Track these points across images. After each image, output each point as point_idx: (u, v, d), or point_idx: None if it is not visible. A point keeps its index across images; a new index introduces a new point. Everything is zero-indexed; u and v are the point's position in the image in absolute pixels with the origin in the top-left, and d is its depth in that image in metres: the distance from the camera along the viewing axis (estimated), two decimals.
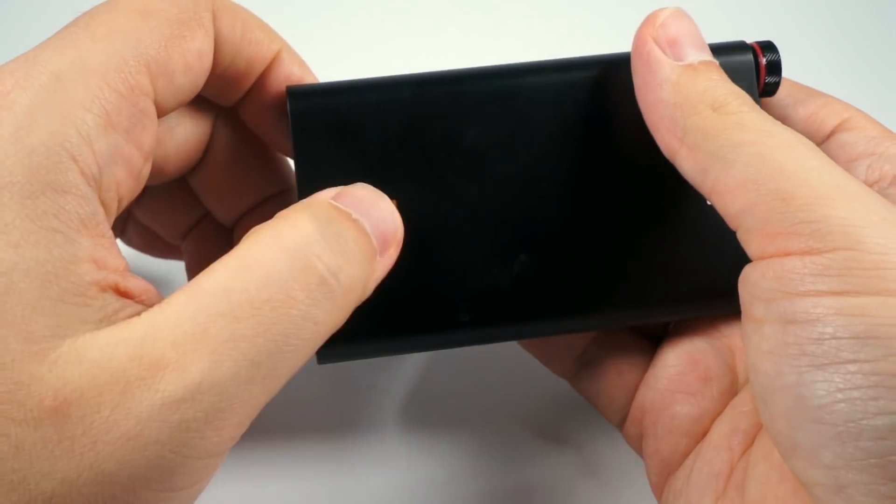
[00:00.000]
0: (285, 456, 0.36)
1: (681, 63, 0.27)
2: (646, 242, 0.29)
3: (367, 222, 0.26)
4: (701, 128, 0.25)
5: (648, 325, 0.34)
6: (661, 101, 0.27)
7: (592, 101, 0.29)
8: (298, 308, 0.23)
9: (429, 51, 0.45)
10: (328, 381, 0.37)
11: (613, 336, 0.33)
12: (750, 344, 0.24)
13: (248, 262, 0.23)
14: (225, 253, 0.24)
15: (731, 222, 0.25)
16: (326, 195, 0.26)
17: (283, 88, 0.29)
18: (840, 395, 0.22)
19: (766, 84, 0.29)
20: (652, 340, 0.34)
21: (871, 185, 0.28)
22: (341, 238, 0.24)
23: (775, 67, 0.29)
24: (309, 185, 0.28)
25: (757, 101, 0.29)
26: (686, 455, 0.30)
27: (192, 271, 0.34)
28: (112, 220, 0.24)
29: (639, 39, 0.28)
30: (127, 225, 0.35)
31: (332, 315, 0.24)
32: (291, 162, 0.33)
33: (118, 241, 0.35)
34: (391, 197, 0.27)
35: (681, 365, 0.31)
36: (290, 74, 0.29)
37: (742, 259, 0.25)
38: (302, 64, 0.30)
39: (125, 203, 0.25)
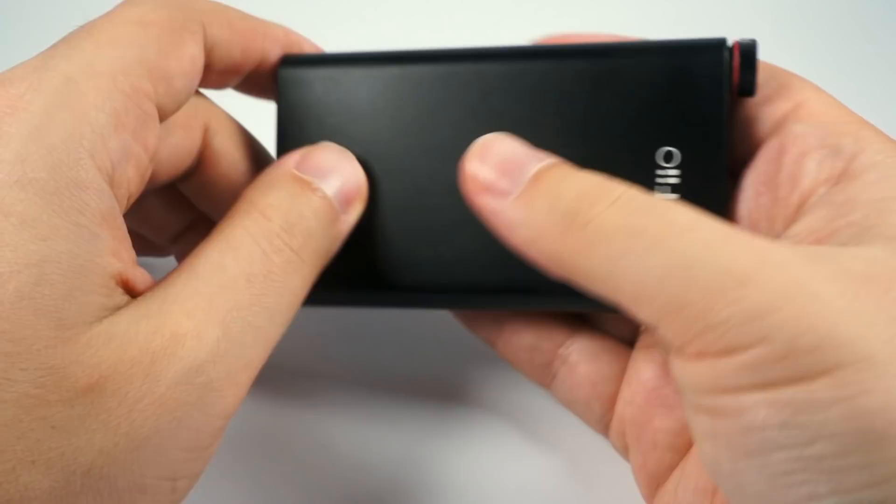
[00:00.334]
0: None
1: (513, 196, 0.26)
2: None
3: (328, 187, 0.29)
4: (565, 256, 0.25)
5: (614, 321, 0.33)
6: (522, 243, 0.26)
7: (555, 90, 0.29)
8: (278, 281, 0.26)
9: (434, 28, 0.46)
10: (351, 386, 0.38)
11: (583, 344, 0.33)
12: (689, 423, 0.24)
13: (233, 244, 0.26)
14: None
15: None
16: (290, 163, 0.29)
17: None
18: (774, 483, 0.22)
19: (740, 85, 0.28)
20: (624, 345, 0.33)
21: (819, 187, 0.27)
22: (304, 218, 0.28)
23: (749, 66, 0.27)
24: (285, 146, 0.31)
25: (722, 104, 0.28)
26: (672, 468, 0.30)
27: None
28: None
29: (466, 190, 0.27)
30: None
31: (306, 280, 0.28)
32: None
33: None
34: (361, 160, 0.30)
35: (656, 378, 0.31)
36: (284, 47, 0.32)
37: None
38: (294, 37, 0.32)
39: (132, 201, 0.27)
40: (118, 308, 0.24)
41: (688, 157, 0.27)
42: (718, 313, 0.22)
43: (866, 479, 0.21)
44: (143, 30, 0.27)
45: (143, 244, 0.36)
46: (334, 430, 0.36)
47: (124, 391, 0.23)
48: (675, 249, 0.23)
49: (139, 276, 0.26)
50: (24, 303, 0.22)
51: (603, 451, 0.34)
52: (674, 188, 0.27)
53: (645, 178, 0.27)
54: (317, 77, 0.31)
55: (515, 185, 0.26)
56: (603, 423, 0.33)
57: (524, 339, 0.33)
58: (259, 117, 0.35)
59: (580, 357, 0.33)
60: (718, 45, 0.28)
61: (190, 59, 0.28)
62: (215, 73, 0.30)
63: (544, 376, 0.33)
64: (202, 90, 0.33)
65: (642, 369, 0.31)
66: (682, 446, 0.30)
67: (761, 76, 0.29)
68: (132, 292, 0.25)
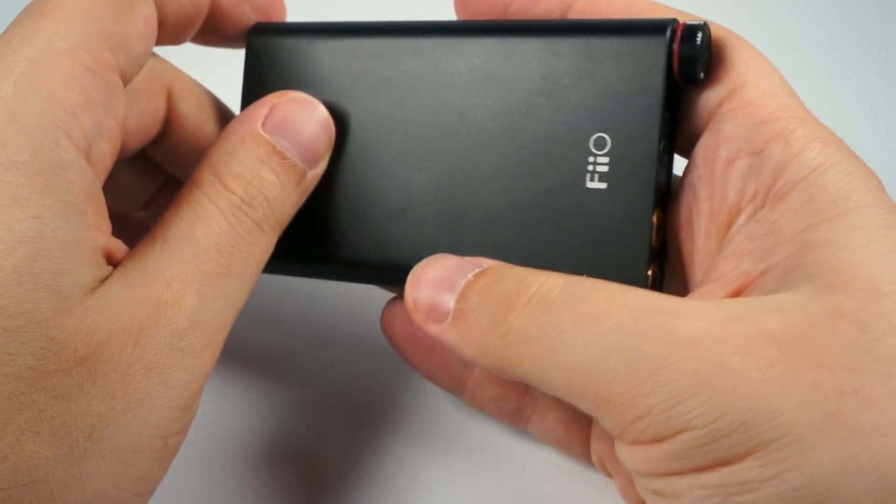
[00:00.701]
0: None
1: (448, 320, 0.26)
2: (522, 208, 0.28)
3: (295, 146, 0.29)
4: (504, 365, 0.25)
5: None
6: (471, 360, 0.26)
7: (507, 68, 0.28)
8: (243, 251, 0.27)
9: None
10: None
11: None
12: (638, 487, 0.25)
13: (201, 216, 0.27)
14: None
15: None
16: (255, 121, 0.29)
17: (233, 8, 0.32)
18: None
19: (681, 70, 0.26)
20: None
21: (745, 205, 0.26)
22: (266, 187, 0.28)
23: (691, 50, 0.26)
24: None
25: (658, 91, 0.26)
26: None
27: None
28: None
29: (415, 321, 0.27)
30: None
31: (268, 245, 0.29)
32: None
33: None
34: None
35: None
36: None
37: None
38: None
39: (107, 173, 0.27)
40: (105, 279, 0.25)
41: (618, 145, 0.26)
42: (640, 404, 0.22)
43: None
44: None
45: (114, 215, 0.37)
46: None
47: (118, 358, 0.25)
48: (589, 345, 0.23)
49: (118, 246, 0.27)
50: (24, 278, 0.23)
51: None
52: (601, 177, 0.26)
53: (578, 165, 0.26)
54: (285, 46, 0.31)
55: (446, 307, 0.26)
56: (584, 457, 0.32)
57: (489, 391, 0.32)
58: (222, 81, 0.35)
59: (548, 399, 0.32)
60: (662, 26, 0.26)
61: (143, 19, 0.28)
62: (170, 29, 0.30)
63: (518, 420, 0.33)
64: (162, 56, 0.33)
65: None
66: None
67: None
68: (113, 262, 0.26)
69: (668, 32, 0.26)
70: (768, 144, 0.25)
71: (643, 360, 0.22)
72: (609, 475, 0.31)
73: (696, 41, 0.25)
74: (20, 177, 0.24)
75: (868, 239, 0.23)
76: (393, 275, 0.29)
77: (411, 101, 0.30)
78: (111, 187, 0.34)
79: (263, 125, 0.29)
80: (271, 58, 0.32)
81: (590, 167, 0.26)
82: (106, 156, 0.27)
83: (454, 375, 0.32)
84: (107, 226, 0.26)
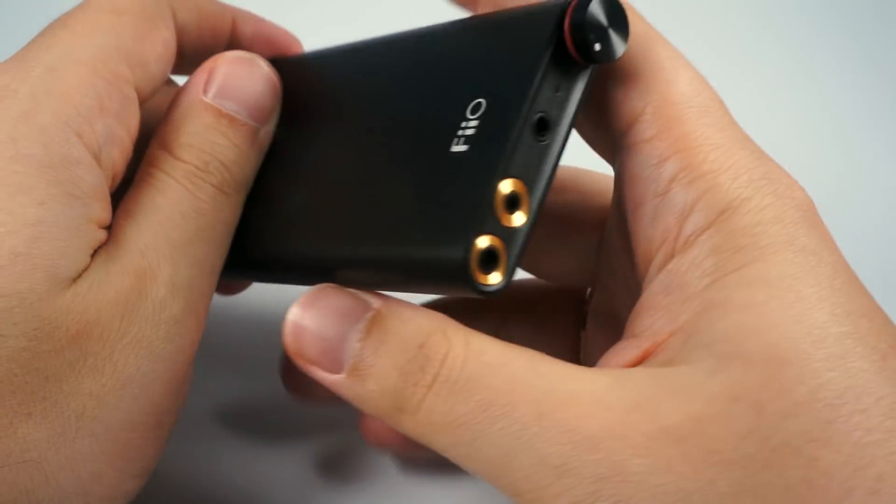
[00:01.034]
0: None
1: (343, 373, 0.24)
2: (386, 181, 0.26)
3: (241, 105, 0.29)
4: (412, 435, 0.23)
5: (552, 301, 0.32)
6: (373, 415, 0.24)
7: (407, 57, 0.28)
8: (209, 215, 0.27)
9: None
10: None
11: (519, 330, 0.33)
12: None
13: (158, 187, 0.27)
14: None
15: None
16: (198, 88, 0.28)
17: (250, 44, 0.33)
18: None
19: (575, 44, 0.24)
20: (571, 326, 0.33)
21: (655, 251, 0.24)
22: (219, 151, 0.28)
23: (580, 20, 0.23)
24: None
25: (536, 59, 0.24)
26: None
27: None
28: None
29: (295, 360, 0.25)
30: None
31: (235, 207, 0.29)
32: None
33: None
34: (284, 144, 0.30)
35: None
36: (255, 32, 0.33)
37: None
38: (258, 20, 0.33)
39: (117, 182, 0.28)
40: None
41: (489, 109, 0.24)
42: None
43: None
44: (117, 18, 0.28)
45: None
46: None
47: (107, 334, 0.25)
48: (495, 442, 0.22)
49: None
50: (21, 258, 0.24)
51: None
52: (466, 140, 0.24)
53: (450, 130, 0.25)
54: (284, 71, 0.31)
55: (339, 360, 0.24)
56: None
57: None
58: None
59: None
60: (557, 2, 0.24)
61: (163, 43, 0.29)
62: (188, 58, 0.31)
63: None
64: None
65: (593, 353, 0.31)
66: None
67: (631, 48, 0.25)
68: None
69: (561, 5, 0.24)
70: (672, 186, 0.24)
71: (547, 463, 0.21)
72: None
73: (585, 10, 0.23)
74: (28, 167, 0.24)
75: (768, 295, 0.22)
76: (296, 274, 0.28)
77: (334, 105, 0.30)
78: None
79: (205, 91, 0.28)
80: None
81: (459, 131, 0.25)
82: (116, 163, 0.27)
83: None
84: (109, 224, 0.27)
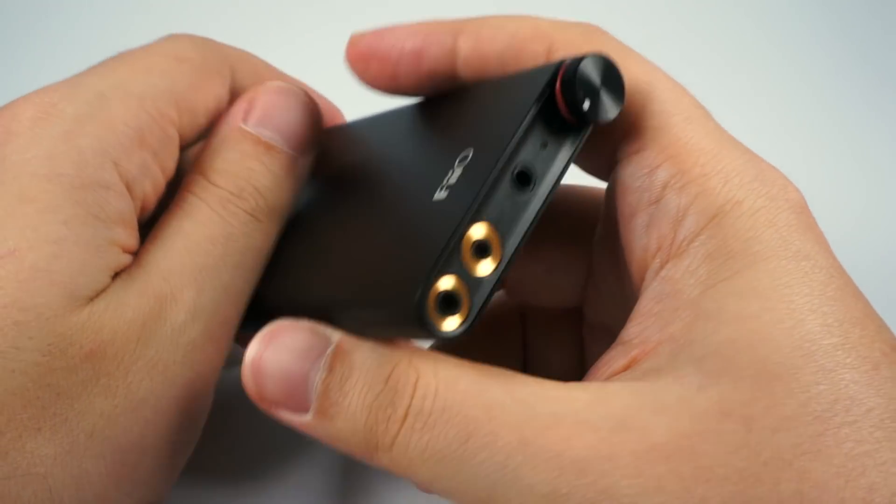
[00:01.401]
0: None
1: (309, 414, 0.23)
2: (375, 230, 0.26)
3: (279, 133, 0.29)
4: (390, 469, 0.23)
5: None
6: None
7: (420, 121, 0.29)
8: (240, 241, 0.27)
9: None
10: None
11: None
12: None
13: (188, 211, 0.27)
14: None
15: None
16: (237, 117, 0.29)
17: None
18: None
19: (565, 105, 0.24)
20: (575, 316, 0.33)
21: (651, 259, 0.24)
22: (254, 178, 0.28)
23: (569, 86, 0.23)
24: None
25: (524, 112, 0.23)
26: None
27: None
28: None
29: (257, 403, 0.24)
30: None
31: (268, 234, 0.28)
32: None
33: None
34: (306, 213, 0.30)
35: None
36: None
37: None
38: (310, 92, 0.33)
39: (146, 216, 0.28)
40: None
41: (473, 158, 0.24)
42: None
43: None
44: (177, 64, 0.29)
45: None
46: None
47: (121, 355, 0.25)
48: (478, 473, 0.21)
49: None
50: (40, 274, 0.24)
51: None
52: (448, 187, 0.24)
53: (438, 179, 0.25)
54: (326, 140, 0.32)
55: (304, 400, 0.23)
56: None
57: None
58: None
59: None
60: (551, 65, 0.25)
61: (216, 98, 0.30)
62: None
63: None
64: None
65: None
66: None
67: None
68: None
69: (557, 63, 0.24)
70: (665, 192, 0.24)
71: (535, 492, 0.21)
72: None
73: (577, 68, 0.23)
74: (59, 186, 0.25)
75: (760, 307, 0.21)
76: None
77: (349, 168, 0.30)
78: None
79: (245, 119, 0.29)
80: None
81: (445, 180, 0.25)
82: (147, 195, 0.27)
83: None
84: (135, 250, 0.27)
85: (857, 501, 0.20)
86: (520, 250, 0.23)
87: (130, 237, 0.26)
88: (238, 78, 0.31)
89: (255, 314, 0.29)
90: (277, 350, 0.23)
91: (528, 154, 0.24)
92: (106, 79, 0.27)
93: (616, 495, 0.20)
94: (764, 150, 0.25)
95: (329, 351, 0.23)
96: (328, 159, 0.31)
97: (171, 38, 0.30)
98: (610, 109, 0.24)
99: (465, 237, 0.22)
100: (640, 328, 0.23)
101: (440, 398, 0.22)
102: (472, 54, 0.27)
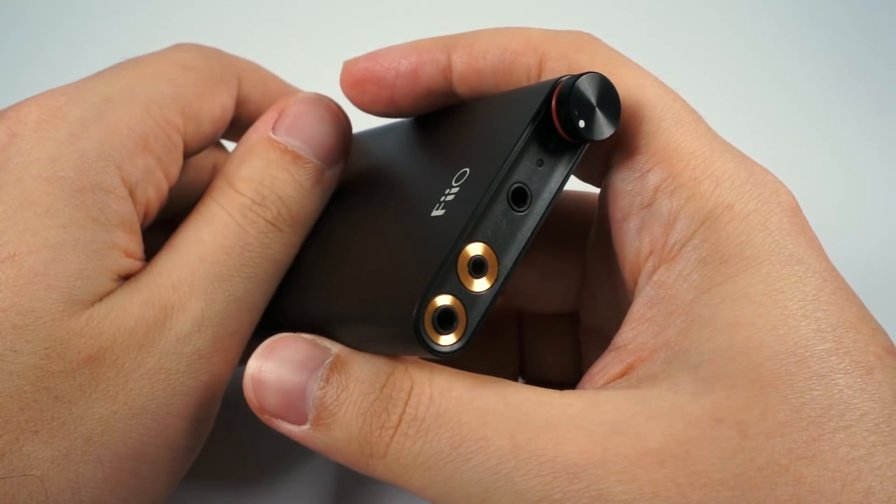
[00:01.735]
0: None
1: (307, 425, 0.23)
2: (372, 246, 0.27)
3: (307, 143, 0.28)
4: (385, 479, 0.23)
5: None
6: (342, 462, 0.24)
7: (419, 135, 0.29)
8: (255, 252, 0.27)
9: None
10: None
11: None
12: None
13: (208, 218, 0.27)
14: None
15: None
16: (266, 126, 0.29)
17: None
18: None
19: (560, 123, 0.24)
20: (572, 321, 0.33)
21: (643, 262, 0.24)
22: (278, 187, 0.28)
23: (563, 104, 0.23)
24: None
25: (519, 130, 0.24)
26: None
27: None
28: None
29: (257, 413, 0.25)
30: None
31: (288, 245, 0.28)
32: None
33: None
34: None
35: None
36: None
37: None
38: None
39: (149, 221, 0.28)
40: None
41: (470, 176, 0.25)
42: None
43: None
44: (184, 72, 0.29)
45: None
46: None
47: (122, 361, 0.25)
48: (470, 479, 0.21)
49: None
50: (38, 279, 0.24)
51: None
52: (445, 205, 0.25)
53: (435, 197, 0.25)
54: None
55: (301, 411, 0.23)
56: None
57: None
58: None
59: None
60: (548, 83, 0.25)
61: (221, 107, 0.30)
62: (243, 128, 0.31)
63: None
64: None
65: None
66: None
67: None
68: None
69: (554, 81, 0.24)
70: (656, 196, 0.24)
71: (527, 498, 0.21)
72: None
73: (572, 86, 0.23)
74: (60, 190, 0.25)
75: (754, 313, 0.21)
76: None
77: (355, 181, 0.30)
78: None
79: (275, 129, 0.28)
80: None
81: (442, 198, 0.25)
82: (150, 200, 0.28)
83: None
84: (138, 254, 0.27)
85: None
86: (516, 267, 0.23)
87: (132, 241, 0.26)
88: (245, 88, 0.31)
89: (262, 324, 0.29)
90: (277, 362, 0.24)
91: (523, 172, 0.24)
92: (112, 84, 0.28)
93: (610, 501, 0.20)
94: (755, 153, 0.25)
95: (328, 361, 0.23)
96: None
97: (179, 47, 0.30)
98: (605, 128, 0.24)
99: (462, 255, 0.23)
100: (634, 333, 0.23)
101: (434, 404, 0.22)
102: (467, 70, 0.27)
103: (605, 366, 0.24)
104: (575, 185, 0.27)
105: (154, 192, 0.28)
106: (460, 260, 0.23)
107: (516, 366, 0.33)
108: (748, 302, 0.22)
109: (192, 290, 0.26)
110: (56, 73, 0.34)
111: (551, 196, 0.24)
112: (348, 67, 0.29)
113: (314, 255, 0.29)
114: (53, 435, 0.24)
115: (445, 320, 0.22)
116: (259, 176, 0.28)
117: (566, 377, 0.32)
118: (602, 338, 0.29)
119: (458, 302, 0.23)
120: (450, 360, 0.23)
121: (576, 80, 0.23)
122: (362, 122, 0.31)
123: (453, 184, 0.25)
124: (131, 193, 0.27)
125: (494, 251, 0.23)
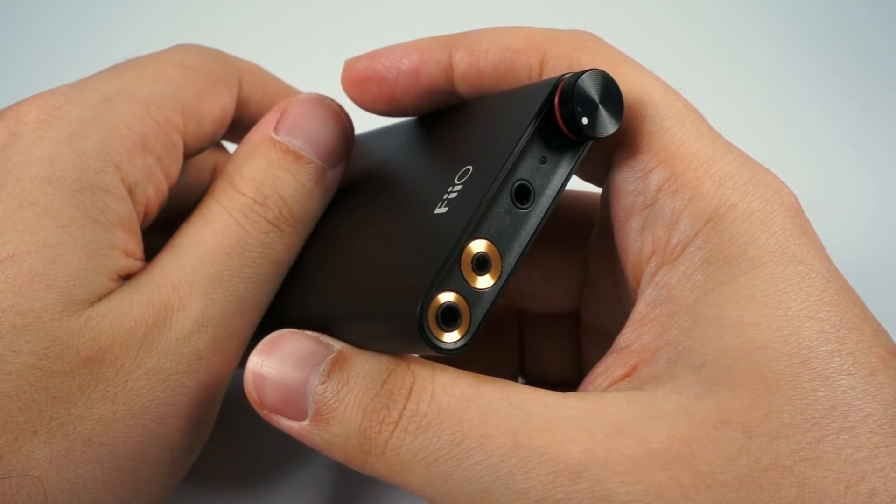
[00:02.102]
0: None
1: (306, 421, 0.23)
2: (377, 242, 0.27)
3: (309, 144, 0.28)
4: (383, 477, 0.22)
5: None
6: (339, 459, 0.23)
7: (424, 134, 0.29)
8: (256, 252, 0.27)
9: None
10: None
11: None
12: None
13: (209, 219, 0.27)
14: None
15: None
16: (269, 126, 0.28)
17: None
18: None
19: (563, 120, 0.24)
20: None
21: (646, 262, 0.24)
22: (280, 187, 0.28)
23: (565, 101, 0.23)
24: None
25: (521, 128, 0.24)
26: None
27: None
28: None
29: (256, 409, 0.24)
30: None
31: (290, 245, 0.28)
32: None
33: None
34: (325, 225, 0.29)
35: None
36: None
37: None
38: None
39: (148, 221, 0.28)
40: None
41: (473, 174, 0.25)
42: None
43: None
44: (184, 72, 0.29)
45: None
46: None
47: (121, 362, 0.25)
48: (471, 477, 0.21)
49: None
50: (37, 279, 0.24)
51: None
52: (448, 203, 0.25)
53: (439, 194, 0.25)
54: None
55: (301, 407, 0.23)
56: None
57: None
58: None
59: None
60: (551, 80, 0.25)
61: (221, 107, 0.30)
62: (244, 129, 0.31)
63: None
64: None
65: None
66: None
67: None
68: None
69: (556, 79, 0.24)
70: (659, 196, 0.23)
71: (528, 497, 0.21)
72: None
73: (575, 83, 0.23)
74: (59, 189, 0.25)
75: (758, 314, 0.21)
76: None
77: (358, 180, 0.30)
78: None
79: (276, 129, 0.28)
80: None
81: (445, 195, 0.25)
82: (150, 200, 0.27)
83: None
84: (137, 254, 0.27)
85: None
86: (520, 264, 0.23)
87: (132, 241, 0.26)
88: (245, 89, 0.31)
89: (263, 324, 0.29)
90: (279, 357, 0.24)
91: (526, 169, 0.24)
92: (112, 84, 0.28)
93: (613, 502, 0.20)
94: (757, 153, 0.25)
95: (330, 358, 0.23)
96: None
97: (179, 47, 0.30)
98: (608, 125, 0.24)
99: (465, 252, 0.23)
100: (637, 334, 0.23)
101: (436, 401, 0.22)
102: (469, 69, 0.27)
103: (608, 368, 0.23)
104: (577, 184, 0.27)
105: (154, 192, 0.27)
106: (464, 257, 0.23)
107: (516, 366, 0.33)
108: (752, 302, 0.22)
109: (192, 291, 0.26)
110: (56, 73, 0.34)
111: (554, 193, 0.24)
112: (350, 66, 0.29)
113: (316, 254, 0.29)
114: (52, 435, 0.24)
115: (449, 317, 0.22)
116: (261, 176, 0.28)
117: (566, 377, 0.32)
118: (603, 338, 0.29)
119: (461, 299, 0.23)
120: (452, 357, 0.22)
121: (578, 77, 0.23)
122: (364, 121, 0.31)
123: (456, 181, 0.25)
124: (131, 193, 0.27)
125: (498, 248, 0.23)
